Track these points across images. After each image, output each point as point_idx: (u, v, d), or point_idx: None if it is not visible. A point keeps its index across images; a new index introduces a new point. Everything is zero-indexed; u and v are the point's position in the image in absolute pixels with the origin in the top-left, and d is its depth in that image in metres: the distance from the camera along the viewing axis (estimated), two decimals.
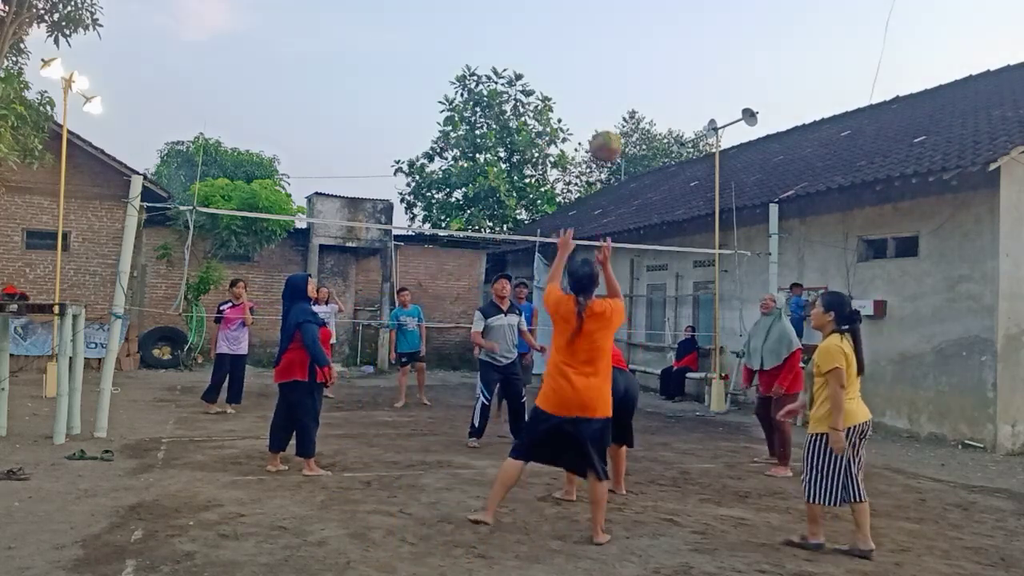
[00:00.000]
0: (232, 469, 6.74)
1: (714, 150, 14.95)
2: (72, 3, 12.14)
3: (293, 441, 6.77)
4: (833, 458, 4.77)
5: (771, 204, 11.61)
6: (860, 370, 4.91)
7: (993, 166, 9.03)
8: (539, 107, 28.17)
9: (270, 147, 61.14)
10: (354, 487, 6.20)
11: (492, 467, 7.14)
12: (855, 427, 4.80)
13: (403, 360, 12.18)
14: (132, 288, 13.28)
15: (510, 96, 28.13)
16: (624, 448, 6.40)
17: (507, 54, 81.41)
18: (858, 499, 4.79)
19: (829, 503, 4.81)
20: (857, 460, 4.83)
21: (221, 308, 10.42)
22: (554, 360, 5.03)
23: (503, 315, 8.53)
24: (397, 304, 12.55)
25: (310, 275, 8.26)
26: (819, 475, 4.81)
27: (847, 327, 4.94)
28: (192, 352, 16.49)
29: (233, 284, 10.78)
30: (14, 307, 8.00)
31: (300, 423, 6.68)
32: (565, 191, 31.52)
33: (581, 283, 5.06)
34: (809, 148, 15.38)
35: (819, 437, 4.83)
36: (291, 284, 7.01)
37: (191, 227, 12.10)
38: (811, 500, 4.86)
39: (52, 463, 6.73)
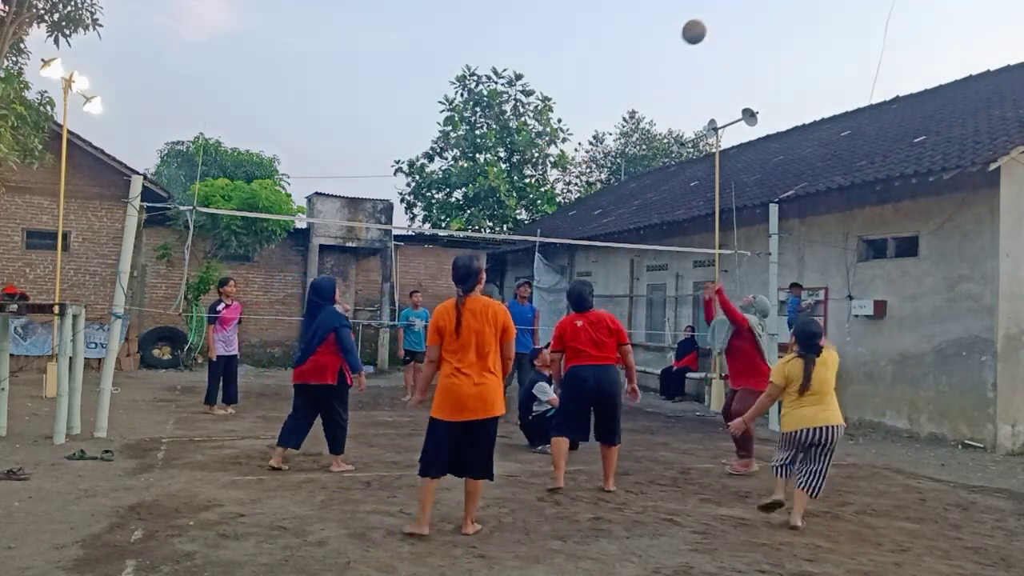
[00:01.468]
0: (232, 469, 6.74)
1: (714, 150, 14.94)
2: (72, 3, 12.14)
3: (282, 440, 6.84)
4: (787, 450, 5.67)
5: (771, 204, 11.59)
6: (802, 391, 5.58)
7: (993, 166, 9.03)
8: (539, 107, 28.18)
9: (270, 147, 61.21)
10: (354, 487, 6.20)
11: None
12: (803, 431, 5.52)
13: (407, 358, 12.75)
14: (132, 288, 13.28)
15: (510, 96, 28.14)
16: (615, 447, 6.41)
17: (507, 54, 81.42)
18: (804, 489, 5.53)
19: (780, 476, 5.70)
20: (815, 460, 5.55)
21: (217, 309, 10.20)
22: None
23: None
24: (409, 304, 13.16)
25: (336, 278, 8.34)
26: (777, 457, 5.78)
27: (803, 353, 5.66)
28: (192, 352, 16.50)
29: (224, 283, 10.52)
30: (14, 307, 8.00)
31: (334, 423, 6.88)
32: (565, 191, 31.53)
33: (458, 274, 5.01)
34: (809, 148, 15.38)
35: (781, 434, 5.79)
36: (320, 287, 7.11)
37: (191, 227, 12.10)
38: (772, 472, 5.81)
39: (52, 463, 6.73)
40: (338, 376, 6.86)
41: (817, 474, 5.53)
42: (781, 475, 5.67)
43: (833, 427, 5.48)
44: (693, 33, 7.89)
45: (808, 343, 5.67)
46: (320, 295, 7.01)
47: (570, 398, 6.47)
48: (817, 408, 5.51)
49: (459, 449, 4.89)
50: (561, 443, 6.43)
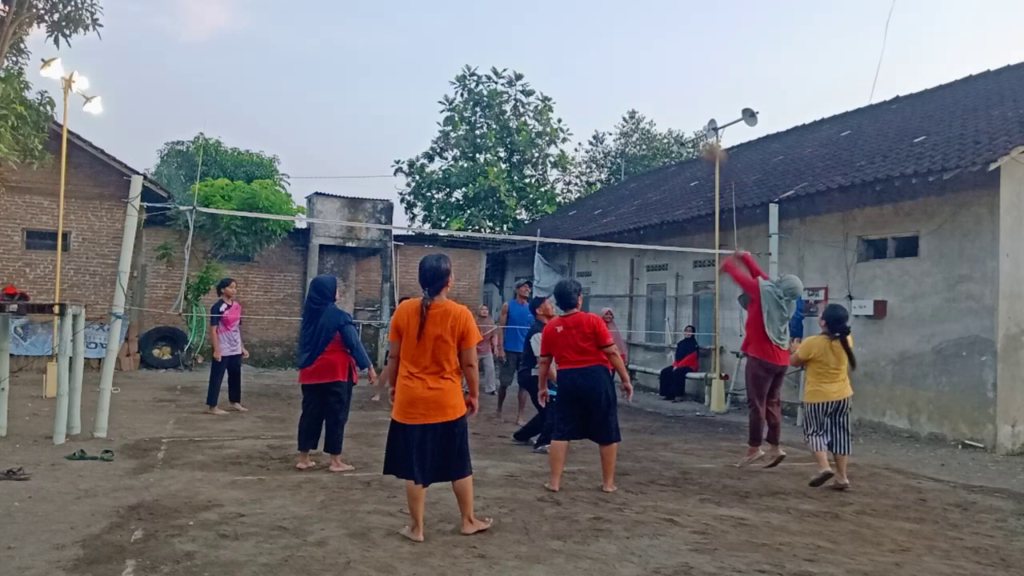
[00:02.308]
0: (232, 469, 6.74)
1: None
2: (72, 3, 12.14)
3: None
4: (815, 420, 6.90)
5: (771, 204, 11.60)
6: (851, 366, 6.91)
7: (993, 166, 9.02)
8: (539, 107, 28.20)
9: (270, 147, 61.22)
10: (354, 487, 6.20)
11: (492, 467, 7.15)
12: (824, 403, 6.83)
13: None
14: (132, 288, 13.27)
15: (510, 96, 28.15)
16: (612, 446, 6.43)
17: (507, 54, 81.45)
18: (841, 452, 6.84)
19: (818, 447, 6.87)
20: (838, 426, 6.85)
21: (220, 310, 10.23)
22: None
23: None
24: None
25: (337, 276, 8.39)
26: (813, 433, 6.95)
27: (833, 334, 6.82)
28: (192, 352, 16.50)
29: (225, 284, 10.58)
30: (14, 307, 8.00)
31: (335, 420, 6.90)
32: (565, 191, 31.54)
33: (425, 275, 4.86)
34: (809, 148, 15.38)
35: (808, 405, 7.01)
36: (323, 285, 7.11)
37: (191, 227, 12.13)
38: (811, 449, 6.96)
39: (52, 463, 6.73)
40: (347, 372, 6.96)
41: (845, 434, 6.87)
42: (819, 447, 6.82)
43: (846, 398, 6.87)
44: (711, 159, 8.08)
45: (837, 325, 6.79)
46: (322, 294, 7.02)
47: (561, 402, 6.57)
48: (835, 384, 6.80)
49: (425, 453, 4.77)
50: (559, 447, 6.45)
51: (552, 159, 28.79)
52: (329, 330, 6.86)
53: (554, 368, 6.82)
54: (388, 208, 19.11)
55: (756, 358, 7.57)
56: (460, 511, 5.03)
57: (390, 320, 4.92)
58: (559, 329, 6.50)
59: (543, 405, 7.79)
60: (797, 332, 12.05)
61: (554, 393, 7.96)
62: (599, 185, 31.33)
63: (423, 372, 4.78)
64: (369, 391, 11.98)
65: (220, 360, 10.18)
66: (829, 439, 6.83)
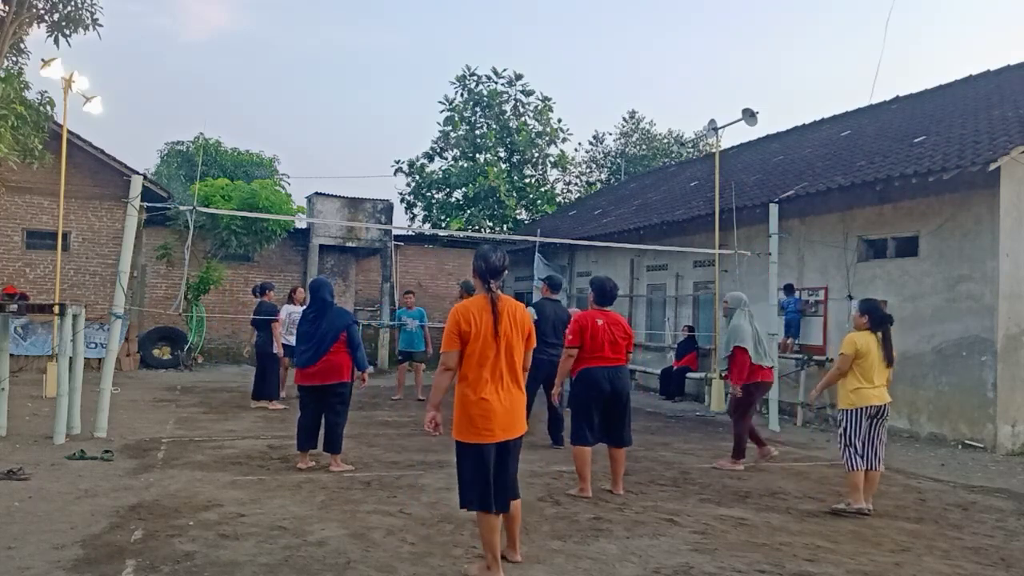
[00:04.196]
0: (232, 469, 6.74)
1: (714, 150, 14.95)
2: (72, 3, 12.14)
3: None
4: (855, 432, 5.92)
5: (771, 204, 11.59)
6: (889, 362, 6.15)
7: (993, 166, 9.02)
8: (539, 107, 28.17)
9: (270, 147, 61.19)
10: (354, 487, 6.20)
11: None
12: (866, 408, 5.94)
13: (399, 358, 12.98)
14: (132, 288, 13.27)
15: (510, 96, 28.13)
16: (624, 449, 6.39)
17: (507, 54, 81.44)
18: (872, 467, 5.93)
19: (856, 467, 5.89)
20: (876, 436, 5.96)
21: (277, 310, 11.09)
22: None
23: None
24: (403, 304, 13.27)
25: (328, 278, 8.71)
26: (849, 447, 5.94)
27: (878, 328, 6.12)
28: (192, 352, 16.50)
29: (268, 289, 11.39)
30: (14, 307, 8.01)
31: (337, 421, 6.90)
32: (565, 191, 31.51)
33: (491, 265, 4.23)
34: (809, 148, 15.37)
35: (843, 413, 6.02)
36: (324, 286, 7.09)
37: (191, 227, 12.11)
38: (849, 469, 5.94)
39: (52, 463, 6.73)
40: (351, 373, 6.98)
41: (881, 446, 6.02)
42: (858, 467, 5.88)
43: (887, 404, 6.09)
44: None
45: (884, 317, 6.17)
46: (330, 293, 7.05)
47: (586, 401, 6.22)
48: (876, 388, 6.03)
49: (505, 474, 4.15)
50: (584, 452, 6.18)
51: (552, 159, 28.77)
52: (337, 330, 6.87)
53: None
54: (388, 208, 19.10)
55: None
56: (510, 534, 4.39)
57: (447, 327, 4.15)
58: (600, 322, 6.24)
59: (556, 404, 7.75)
60: (796, 333, 12.09)
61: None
62: (599, 185, 31.31)
63: (498, 380, 4.10)
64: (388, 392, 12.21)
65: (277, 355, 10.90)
66: (872, 459, 5.93)
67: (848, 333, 6.26)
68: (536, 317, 8.56)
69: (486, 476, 4.05)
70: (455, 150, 28.08)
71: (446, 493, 6.03)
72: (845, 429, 5.97)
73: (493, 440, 4.06)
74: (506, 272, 4.36)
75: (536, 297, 15.11)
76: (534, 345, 4.38)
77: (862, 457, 5.89)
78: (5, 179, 13.27)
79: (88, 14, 12.27)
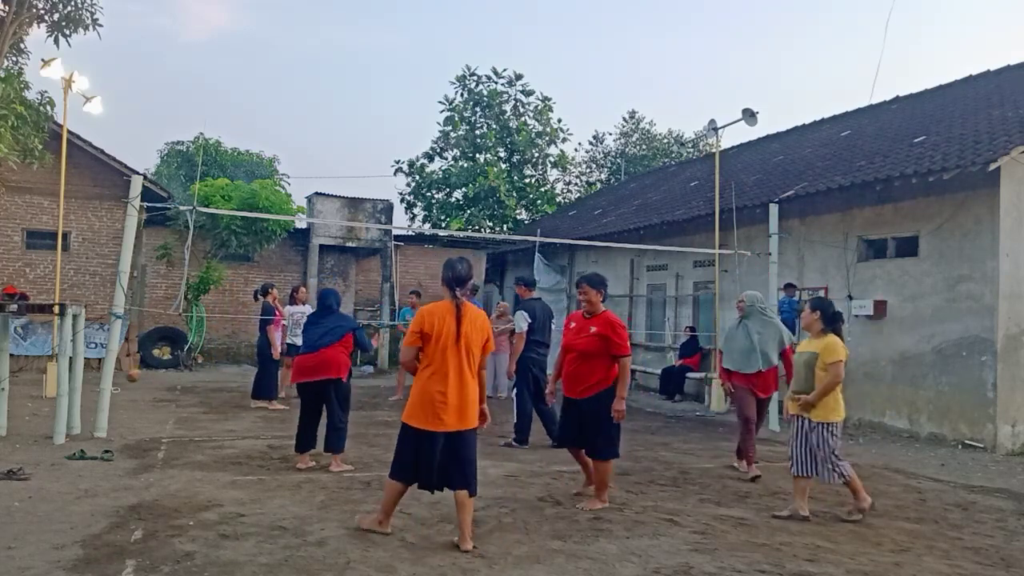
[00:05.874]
0: (232, 469, 6.74)
1: (714, 150, 14.95)
2: (72, 3, 12.14)
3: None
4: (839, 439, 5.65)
5: (771, 204, 11.59)
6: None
7: (993, 166, 9.02)
8: (539, 107, 28.18)
9: (270, 147, 61.20)
10: (354, 487, 6.20)
11: (492, 467, 7.14)
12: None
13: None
14: (132, 288, 13.26)
15: (510, 96, 28.14)
16: (607, 462, 5.88)
17: (507, 54, 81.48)
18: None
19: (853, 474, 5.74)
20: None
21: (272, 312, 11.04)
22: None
23: None
24: (408, 303, 13.56)
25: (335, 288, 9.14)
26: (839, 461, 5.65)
27: (830, 326, 5.76)
28: (192, 352, 16.50)
29: (268, 290, 11.36)
30: (14, 307, 8.01)
31: (340, 419, 6.92)
32: (565, 191, 31.51)
33: (457, 274, 4.75)
34: (809, 148, 15.37)
35: (834, 426, 5.64)
36: (332, 295, 7.29)
37: (191, 227, 12.10)
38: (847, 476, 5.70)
39: (52, 463, 6.73)
40: (346, 373, 7.01)
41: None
42: (853, 473, 5.76)
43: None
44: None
45: (833, 314, 5.82)
46: (335, 303, 7.21)
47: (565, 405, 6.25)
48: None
49: (444, 460, 4.66)
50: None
51: (552, 159, 28.78)
52: (342, 329, 6.99)
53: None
54: (388, 208, 19.10)
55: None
56: (461, 523, 4.69)
57: (411, 325, 4.72)
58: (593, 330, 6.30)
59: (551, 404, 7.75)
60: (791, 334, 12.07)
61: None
62: (599, 185, 31.31)
63: (457, 376, 4.64)
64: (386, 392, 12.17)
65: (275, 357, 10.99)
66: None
67: (827, 336, 5.74)
68: (531, 320, 8.58)
69: (419, 458, 4.65)
70: (455, 150, 28.09)
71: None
72: (836, 442, 5.64)
73: (445, 429, 4.61)
74: (471, 281, 4.84)
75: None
76: (492, 349, 4.90)
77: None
78: (5, 179, 13.27)
79: (88, 14, 12.27)
